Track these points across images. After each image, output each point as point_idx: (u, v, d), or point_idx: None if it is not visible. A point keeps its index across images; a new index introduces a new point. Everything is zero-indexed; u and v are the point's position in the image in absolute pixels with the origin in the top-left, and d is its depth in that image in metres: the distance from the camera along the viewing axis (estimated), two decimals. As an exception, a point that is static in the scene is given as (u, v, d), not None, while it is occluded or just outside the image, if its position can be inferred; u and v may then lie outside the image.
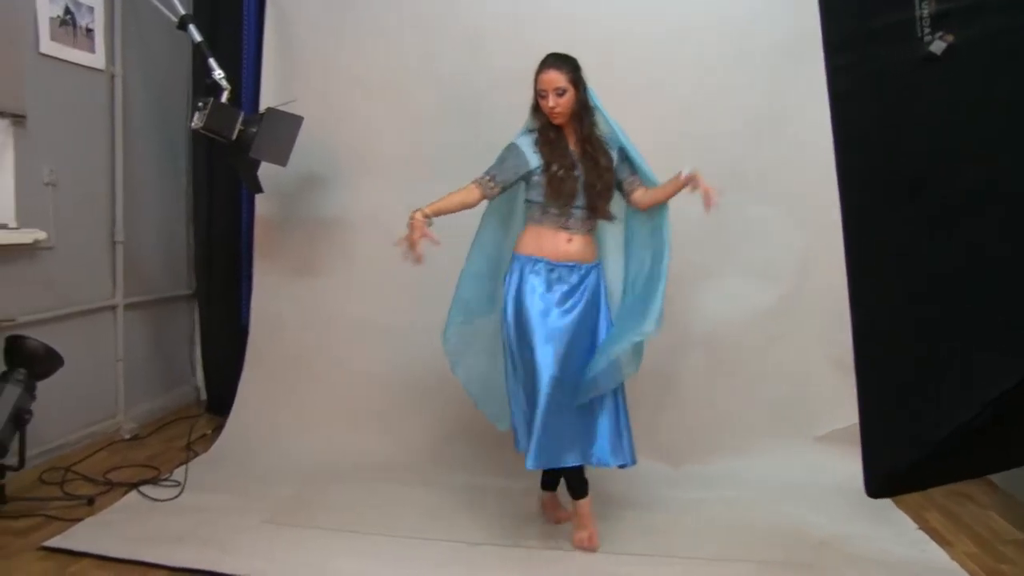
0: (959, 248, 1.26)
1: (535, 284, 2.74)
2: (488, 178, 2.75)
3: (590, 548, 2.78)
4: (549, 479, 3.03)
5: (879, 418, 1.43)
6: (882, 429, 1.42)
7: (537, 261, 2.77)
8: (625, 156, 2.86)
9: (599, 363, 2.71)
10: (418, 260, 2.59)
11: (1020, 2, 1.15)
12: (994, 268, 1.19)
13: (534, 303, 2.72)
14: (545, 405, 2.63)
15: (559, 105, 2.72)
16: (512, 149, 2.78)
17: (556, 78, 2.71)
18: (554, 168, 2.72)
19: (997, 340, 1.18)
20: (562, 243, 2.78)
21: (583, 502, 2.81)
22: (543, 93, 2.73)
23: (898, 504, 3.13)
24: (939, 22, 1.23)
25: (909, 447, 1.33)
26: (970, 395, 1.20)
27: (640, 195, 2.85)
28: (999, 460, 1.67)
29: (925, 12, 1.25)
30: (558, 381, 2.65)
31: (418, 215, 2.62)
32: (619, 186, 2.87)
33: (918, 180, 1.31)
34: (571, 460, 2.71)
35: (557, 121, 2.76)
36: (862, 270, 1.48)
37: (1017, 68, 1.16)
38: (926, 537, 2.91)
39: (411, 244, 2.59)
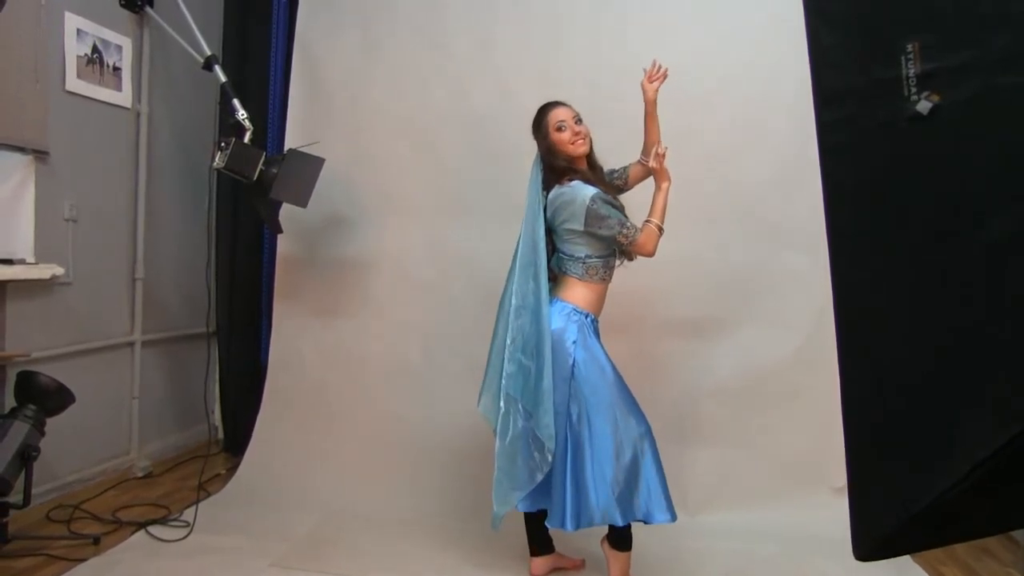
0: (943, 306, 1.22)
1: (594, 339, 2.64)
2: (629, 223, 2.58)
3: None
4: (546, 538, 2.88)
5: (866, 480, 1.39)
6: (869, 491, 1.38)
7: (593, 319, 2.67)
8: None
9: None
10: None
11: (1009, 63, 1.11)
12: (982, 329, 1.15)
13: (604, 360, 2.63)
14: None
15: (582, 131, 2.63)
16: (599, 197, 2.54)
17: (568, 110, 2.65)
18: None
19: (982, 402, 1.14)
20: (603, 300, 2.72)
21: (628, 554, 2.69)
22: (562, 126, 2.61)
23: (915, 558, 3.05)
24: (925, 82, 1.21)
25: (896, 510, 1.27)
26: (955, 458, 1.15)
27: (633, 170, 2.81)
28: (991, 524, 1.60)
29: (911, 72, 1.23)
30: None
31: None
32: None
33: (909, 240, 1.28)
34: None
35: (582, 150, 2.62)
36: (848, 327, 1.43)
37: (1005, 128, 1.13)
38: (943, 593, 2.85)
39: None
